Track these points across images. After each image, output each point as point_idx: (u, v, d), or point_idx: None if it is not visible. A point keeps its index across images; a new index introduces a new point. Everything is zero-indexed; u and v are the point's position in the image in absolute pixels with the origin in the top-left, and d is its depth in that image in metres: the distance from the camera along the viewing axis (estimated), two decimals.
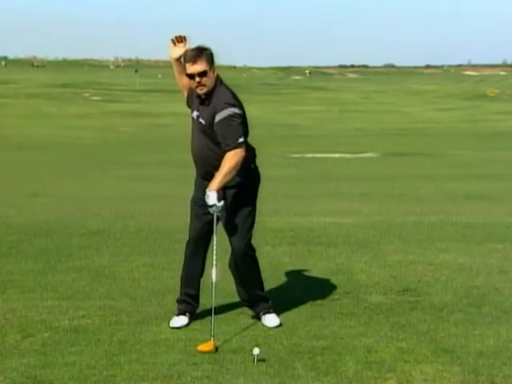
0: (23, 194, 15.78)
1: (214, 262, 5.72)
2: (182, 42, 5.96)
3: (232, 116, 5.70)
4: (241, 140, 5.69)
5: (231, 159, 5.64)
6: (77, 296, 6.87)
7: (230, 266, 6.10)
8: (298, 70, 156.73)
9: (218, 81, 5.85)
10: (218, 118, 5.71)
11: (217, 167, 5.70)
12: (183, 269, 6.20)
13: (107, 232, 10.14)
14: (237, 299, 6.47)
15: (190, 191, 6.20)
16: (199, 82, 5.76)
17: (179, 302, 6.16)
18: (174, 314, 6.07)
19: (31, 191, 16.08)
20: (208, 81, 5.78)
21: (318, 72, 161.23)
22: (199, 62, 5.76)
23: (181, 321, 6.00)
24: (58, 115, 54.02)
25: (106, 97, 71.94)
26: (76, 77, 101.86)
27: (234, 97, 5.82)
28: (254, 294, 6.11)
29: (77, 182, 18.87)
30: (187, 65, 5.82)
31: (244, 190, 5.90)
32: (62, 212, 12.59)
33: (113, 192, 16.44)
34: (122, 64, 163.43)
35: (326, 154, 26.68)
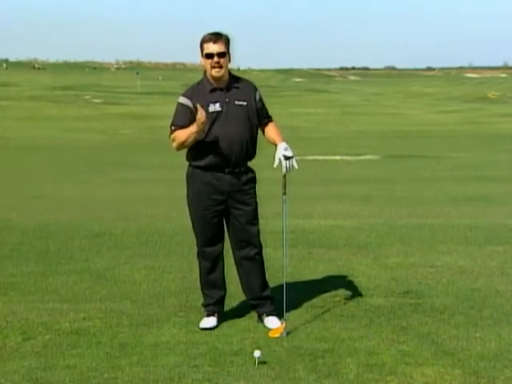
0: (24, 196, 15.80)
1: (285, 243, 6.02)
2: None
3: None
4: None
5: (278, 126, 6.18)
6: (78, 298, 6.87)
7: (239, 263, 6.07)
8: (299, 72, 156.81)
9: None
10: (258, 96, 5.96)
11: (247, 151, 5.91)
12: (206, 273, 6.11)
13: (108, 234, 10.14)
14: (238, 301, 6.47)
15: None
16: (217, 63, 5.74)
17: (207, 305, 6.13)
18: (204, 316, 6.05)
19: (32, 193, 16.09)
20: (225, 63, 5.79)
21: (319, 74, 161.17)
22: (219, 43, 5.76)
23: (211, 321, 5.98)
24: (59, 117, 54.09)
25: (107, 99, 72.00)
26: (77, 79, 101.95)
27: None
28: (263, 291, 6.12)
29: (78, 184, 18.89)
30: (207, 45, 5.76)
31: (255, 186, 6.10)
32: (63, 214, 12.60)
33: (114, 194, 16.45)
34: (123, 66, 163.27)
35: (326, 156, 26.69)
